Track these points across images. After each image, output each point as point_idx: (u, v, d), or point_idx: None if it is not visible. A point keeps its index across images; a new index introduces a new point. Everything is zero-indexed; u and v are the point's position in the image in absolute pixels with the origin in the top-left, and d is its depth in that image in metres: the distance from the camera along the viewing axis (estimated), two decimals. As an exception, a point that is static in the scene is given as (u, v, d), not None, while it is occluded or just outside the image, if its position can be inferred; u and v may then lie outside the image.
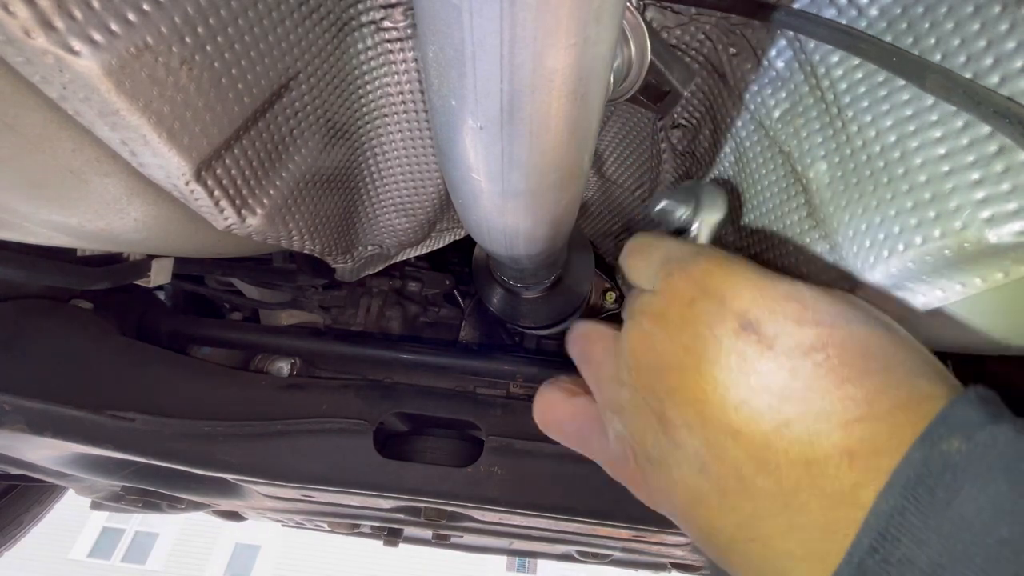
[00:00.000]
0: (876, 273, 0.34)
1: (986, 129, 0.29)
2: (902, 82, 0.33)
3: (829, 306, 0.28)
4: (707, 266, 0.30)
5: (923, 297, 0.34)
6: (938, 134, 0.31)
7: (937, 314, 0.35)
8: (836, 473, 0.23)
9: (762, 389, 0.26)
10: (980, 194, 0.29)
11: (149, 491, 0.87)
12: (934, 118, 0.31)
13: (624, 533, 0.79)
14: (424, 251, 0.73)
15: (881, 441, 0.23)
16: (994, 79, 0.28)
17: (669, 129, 0.55)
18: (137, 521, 9.58)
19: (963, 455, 0.21)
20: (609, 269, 0.89)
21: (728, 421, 0.26)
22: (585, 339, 0.38)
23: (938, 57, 0.30)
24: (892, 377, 0.24)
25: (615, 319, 0.43)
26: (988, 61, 0.28)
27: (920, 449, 0.22)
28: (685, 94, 0.36)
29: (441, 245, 0.73)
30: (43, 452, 0.74)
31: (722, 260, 0.30)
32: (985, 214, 0.28)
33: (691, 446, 0.28)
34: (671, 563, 1.11)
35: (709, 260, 0.31)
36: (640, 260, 0.35)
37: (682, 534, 0.69)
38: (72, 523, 9.17)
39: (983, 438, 0.21)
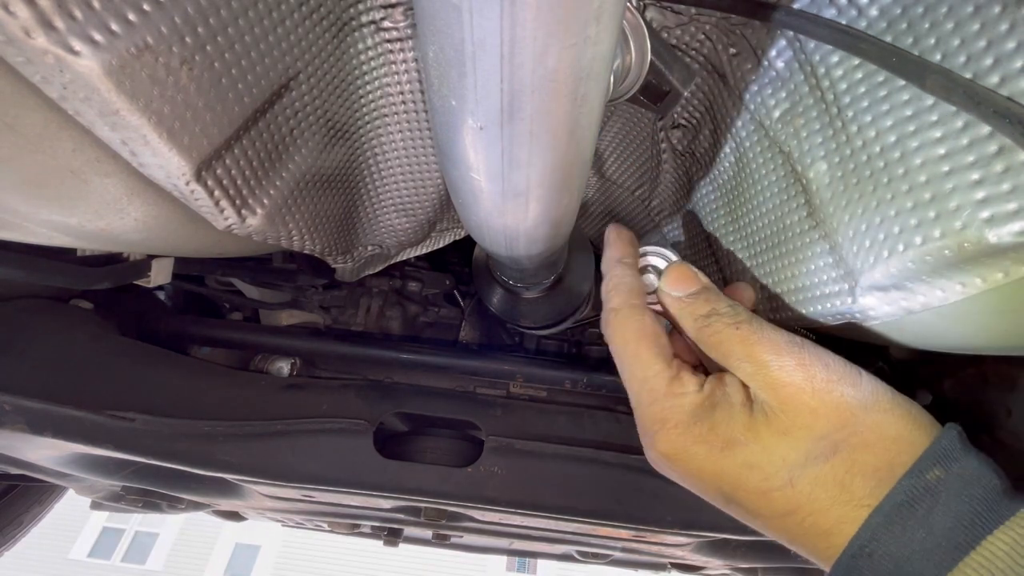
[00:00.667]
0: (876, 273, 0.34)
1: (986, 129, 0.29)
2: (902, 82, 0.33)
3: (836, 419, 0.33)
4: (668, 451, 0.36)
5: (923, 297, 0.34)
6: (938, 134, 0.31)
7: (937, 314, 0.35)
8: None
9: (771, 534, 0.35)
10: (980, 194, 0.29)
11: (149, 491, 0.87)
12: (934, 118, 0.31)
13: (624, 533, 0.79)
14: (424, 251, 0.73)
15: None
16: (994, 79, 0.28)
17: (669, 129, 0.55)
18: (137, 521, 9.58)
19: (940, 481, 0.29)
20: (609, 269, 0.89)
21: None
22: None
23: (938, 57, 0.30)
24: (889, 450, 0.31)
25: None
26: (988, 61, 0.28)
27: (909, 478, 0.29)
28: (685, 94, 0.36)
29: (441, 245, 0.73)
30: (43, 452, 0.74)
31: (680, 438, 0.35)
32: (985, 214, 0.28)
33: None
34: (671, 563, 1.11)
35: (667, 441, 0.36)
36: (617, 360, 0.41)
37: (682, 534, 0.69)
38: (72, 523, 9.17)
39: (956, 469, 0.29)
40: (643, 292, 0.41)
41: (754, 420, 0.33)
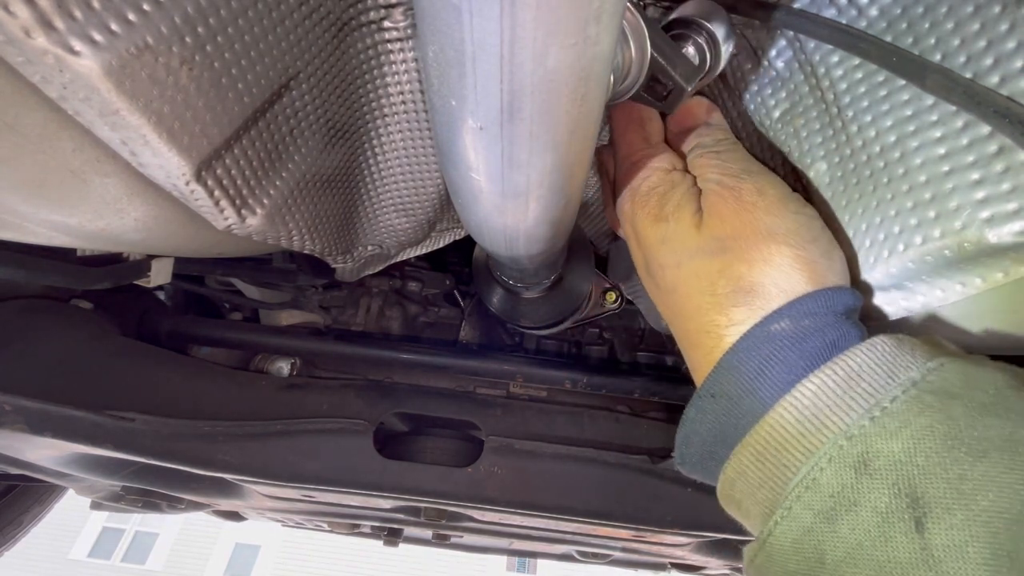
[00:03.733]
0: (876, 273, 0.34)
1: (986, 129, 0.29)
2: (902, 82, 0.33)
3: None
4: (628, 211, 0.43)
5: (923, 297, 0.34)
6: (938, 134, 0.31)
7: (937, 314, 0.35)
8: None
9: (667, 317, 0.42)
10: (980, 194, 0.29)
11: (149, 491, 0.87)
12: (934, 118, 0.31)
13: (624, 533, 0.79)
14: (424, 251, 0.73)
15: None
16: (994, 79, 0.28)
17: None
18: (137, 521, 9.58)
19: (784, 332, 0.32)
20: (609, 269, 0.89)
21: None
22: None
23: (938, 57, 0.30)
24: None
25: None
26: (988, 61, 0.28)
27: (758, 327, 0.33)
28: (689, 90, 0.36)
29: (441, 245, 0.73)
30: (43, 452, 0.74)
31: (638, 204, 0.42)
32: (985, 214, 0.28)
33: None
34: (671, 563, 1.11)
35: (630, 203, 0.43)
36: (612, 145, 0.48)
37: (682, 534, 0.69)
38: (72, 523, 9.17)
39: (806, 323, 0.32)
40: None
41: (682, 208, 0.38)
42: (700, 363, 0.36)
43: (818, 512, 0.28)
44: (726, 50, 0.38)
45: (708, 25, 0.37)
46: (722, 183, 0.38)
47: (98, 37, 0.26)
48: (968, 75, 0.29)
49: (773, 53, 0.41)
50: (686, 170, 0.42)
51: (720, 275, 0.35)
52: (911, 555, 0.25)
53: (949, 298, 0.33)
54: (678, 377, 0.84)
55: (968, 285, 0.32)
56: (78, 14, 0.25)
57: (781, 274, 0.34)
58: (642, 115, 0.45)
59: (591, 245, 0.75)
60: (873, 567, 0.26)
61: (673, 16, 0.38)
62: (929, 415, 0.27)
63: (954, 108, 0.30)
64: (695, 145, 0.42)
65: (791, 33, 0.39)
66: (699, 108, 0.44)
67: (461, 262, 1.04)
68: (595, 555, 1.05)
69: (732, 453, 0.33)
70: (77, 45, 0.25)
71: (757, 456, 0.31)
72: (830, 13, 0.35)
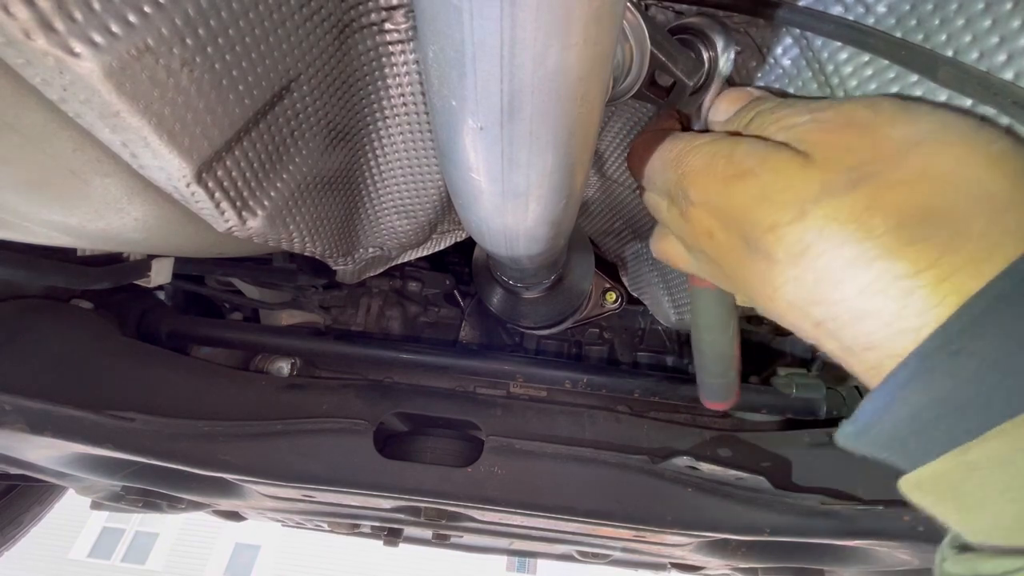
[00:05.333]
0: None
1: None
2: (914, 78, 0.33)
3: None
4: (697, 197, 0.32)
5: None
6: None
7: None
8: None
9: (790, 304, 0.29)
10: None
11: (149, 491, 0.87)
12: None
13: (624, 533, 0.79)
14: (426, 253, 0.73)
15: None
16: (1008, 75, 0.28)
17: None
18: (137, 521, 9.58)
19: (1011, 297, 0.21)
20: (609, 268, 0.89)
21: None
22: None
23: (950, 54, 0.30)
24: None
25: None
26: (1002, 57, 0.28)
27: (1011, 274, 0.22)
28: (691, 85, 0.36)
29: (443, 247, 0.73)
30: (43, 452, 0.74)
31: (705, 180, 0.32)
32: None
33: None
34: (671, 563, 1.11)
35: (696, 188, 0.32)
36: (647, 184, 0.38)
37: (682, 534, 0.69)
38: (72, 523, 9.17)
39: None
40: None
41: (771, 154, 0.29)
42: (881, 336, 0.25)
43: None
44: (726, 59, 0.38)
45: (709, 34, 0.37)
46: (818, 117, 0.29)
47: (98, 39, 0.26)
48: (982, 71, 0.28)
49: (779, 51, 0.41)
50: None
51: (874, 211, 0.25)
52: None
53: None
54: (678, 377, 0.84)
55: None
56: (78, 16, 0.25)
57: (965, 184, 0.24)
58: (654, 133, 0.38)
59: (592, 245, 0.75)
60: None
61: (672, 26, 0.39)
62: None
63: (968, 104, 0.30)
64: (754, 113, 0.33)
65: (797, 31, 0.39)
66: (741, 94, 0.36)
67: (461, 262, 1.04)
68: (595, 555, 1.05)
69: (991, 432, 0.22)
70: (77, 47, 0.25)
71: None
72: (837, 10, 0.35)
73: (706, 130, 0.38)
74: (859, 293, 0.25)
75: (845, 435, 0.28)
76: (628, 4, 0.30)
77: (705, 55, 0.37)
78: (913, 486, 0.26)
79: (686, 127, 0.39)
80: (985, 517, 0.23)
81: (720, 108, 0.37)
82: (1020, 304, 0.21)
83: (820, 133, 0.28)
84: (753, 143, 0.30)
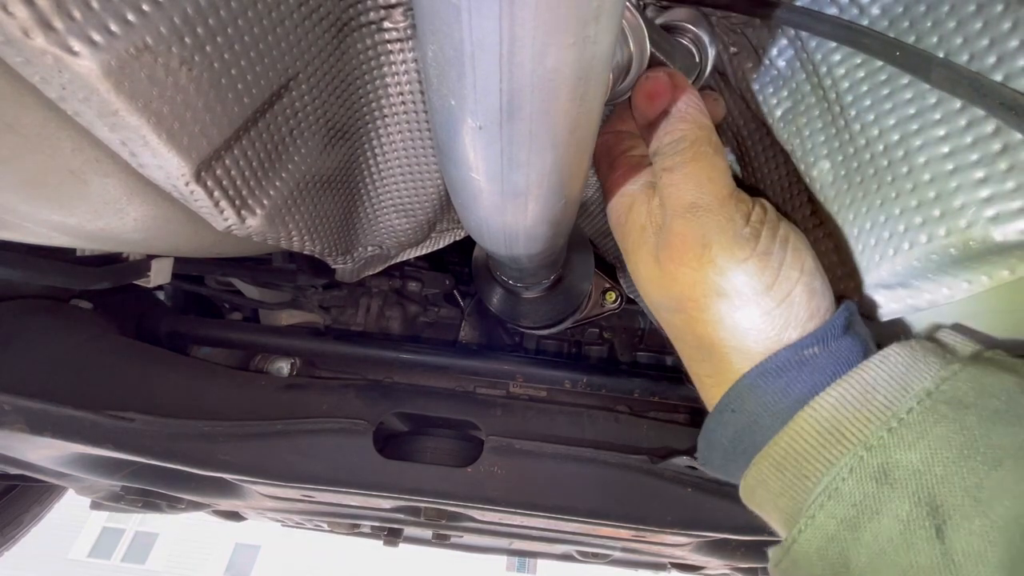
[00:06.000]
0: (882, 271, 0.34)
1: (990, 127, 0.29)
2: (905, 80, 0.33)
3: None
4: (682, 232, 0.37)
5: (929, 295, 0.34)
6: (941, 132, 0.31)
7: (943, 312, 0.35)
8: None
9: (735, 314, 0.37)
10: (985, 192, 0.29)
11: (149, 491, 0.87)
12: (937, 116, 0.31)
13: (624, 533, 0.79)
14: (424, 251, 0.73)
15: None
16: (997, 78, 0.28)
17: None
18: (137, 521, 9.59)
19: (814, 357, 0.33)
20: (609, 268, 0.89)
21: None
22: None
23: (941, 56, 0.30)
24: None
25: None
26: (991, 59, 0.28)
27: (788, 351, 0.33)
28: (689, 83, 0.36)
29: (441, 245, 0.73)
30: (43, 452, 0.74)
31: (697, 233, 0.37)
32: (990, 212, 0.28)
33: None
34: (671, 563, 1.11)
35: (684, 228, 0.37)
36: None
37: (682, 534, 0.69)
38: (72, 523, 9.17)
39: (833, 346, 0.33)
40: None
41: (640, 247, 0.39)
42: (727, 376, 0.36)
43: (841, 520, 0.29)
44: (711, 54, 0.38)
45: (694, 29, 0.37)
46: (669, 227, 0.35)
47: (97, 37, 0.26)
48: (970, 74, 0.28)
49: (774, 52, 0.41)
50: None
51: (685, 331, 0.37)
52: (933, 560, 0.26)
53: (955, 296, 0.33)
54: (678, 377, 0.84)
55: (974, 283, 0.32)
56: (77, 14, 0.25)
57: (738, 333, 0.34)
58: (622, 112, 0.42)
59: (591, 245, 0.75)
60: (897, 572, 0.27)
61: (660, 22, 0.39)
62: (944, 425, 0.28)
63: (958, 106, 0.30)
64: (654, 150, 0.38)
65: (792, 31, 0.39)
66: (661, 86, 0.36)
67: (461, 262, 1.04)
68: (595, 555, 1.05)
69: (752, 463, 0.34)
70: (76, 45, 0.25)
71: (777, 466, 0.32)
72: (831, 12, 0.35)
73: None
74: (732, 334, 0.35)
75: (700, 462, 0.40)
76: (627, 4, 0.30)
77: (696, 51, 0.38)
78: (743, 499, 0.37)
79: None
80: (773, 518, 0.35)
81: (644, 93, 0.38)
82: (768, 382, 0.33)
83: (665, 251, 0.36)
84: (637, 227, 0.39)
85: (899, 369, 0.31)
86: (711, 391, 0.37)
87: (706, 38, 0.37)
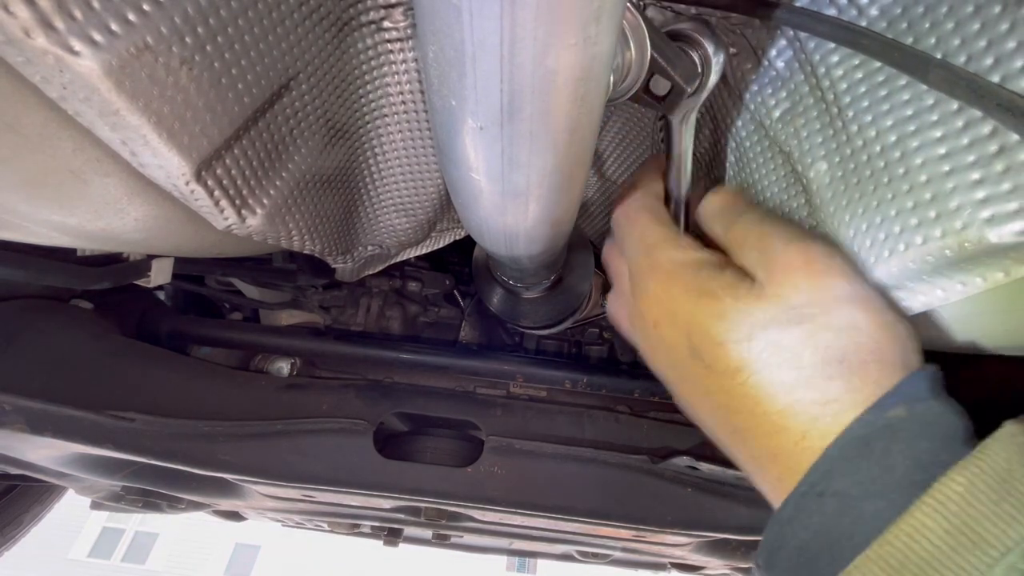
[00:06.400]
0: (877, 272, 0.34)
1: (986, 129, 0.29)
2: (902, 81, 0.33)
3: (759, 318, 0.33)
4: (655, 292, 0.38)
5: (924, 297, 0.34)
6: (938, 134, 0.31)
7: (937, 314, 0.35)
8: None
9: (717, 407, 0.35)
10: (981, 194, 0.29)
11: (149, 491, 0.87)
12: (934, 118, 0.31)
13: (624, 533, 0.79)
14: (424, 251, 0.73)
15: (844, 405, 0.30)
16: (995, 79, 0.28)
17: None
18: (137, 521, 9.58)
19: (901, 421, 0.28)
20: (609, 269, 0.89)
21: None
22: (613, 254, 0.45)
23: (938, 57, 0.30)
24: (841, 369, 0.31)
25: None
26: (988, 61, 0.28)
27: (870, 413, 0.29)
28: (688, 91, 0.36)
29: (441, 245, 0.73)
30: (43, 452, 0.74)
31: (667, 283, 0.37)
32: (986, 214, 0.28)
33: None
34: (671, 563, 1.11)
35: (657, 284, 0.38)
36: (618, 246, 0.43)
37: (682, 534, 0.69)
38: (72, 523, 9.17)
39: (920, 409, 0.29)
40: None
41: (736, 285, 0.34)
42: (787, 451, 0.31)
43: None
44: (717, 64, 0.38)
45: (700, 39, 0.37)
46: (784, 251, 0.34)
47: (98, 37, 0.26)
48: (968, 75, 0.29)
49: (773, 53, 0.41)
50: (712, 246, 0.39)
51: (804, 345, 0.31)
52: None
53: (950, 298, 0.33)
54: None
55: (969, 285, 0.32)
56: (78, 14, 0.25)
57: (871, 341, 0.31)
58: (642, 203, 0.42)
59: (591, 245, 0.75)
60: None
61: (665, 31, 0.39)
62: None
63: (955, 107, 0.30)
64: (738, 218, 0.38)
65: (791, 32, 0.39)
66: (723, 196, 0.40)
67: (461, 262, 1.04)
68: (595, 555, 1.05)
69: (853, 565, 0.27)
70: (77, 45, 0.25)
71: (892, 571, 0.26)
72: (830, 13, 0.35)
73: (686, 214, 0.43)
74: (779, 411, 0.31)
75: (761, 567, 0.34)
76: (628, 4, 0.30)
77: (699, 61, 0.37)
78: None
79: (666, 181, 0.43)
80: None
81: (708, 204, 0.41)
82: (862, 453, 0.28)
83: (782, 266, 0.33)
84: (717, 269, 0.36)
85: None
86: (755, 475, 0.33)
87: (710, 48, 0.37)
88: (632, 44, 0.33)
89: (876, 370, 0.30)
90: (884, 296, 0.33)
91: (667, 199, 0.44)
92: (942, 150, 0.31)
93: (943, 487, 0.26)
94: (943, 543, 0.25)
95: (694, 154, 0.56)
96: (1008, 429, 0.27)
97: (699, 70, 0.37)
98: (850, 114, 0.36)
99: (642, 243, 0.40)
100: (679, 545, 0.85)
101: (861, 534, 0.27)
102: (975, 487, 0.25)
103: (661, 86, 0.36)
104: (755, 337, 0.32)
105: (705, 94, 0.38)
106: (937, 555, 0.25)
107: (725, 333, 0.33)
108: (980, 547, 0.24)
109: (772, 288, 0.33)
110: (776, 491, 0.32)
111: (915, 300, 0.34)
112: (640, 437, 0.72)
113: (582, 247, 0.74)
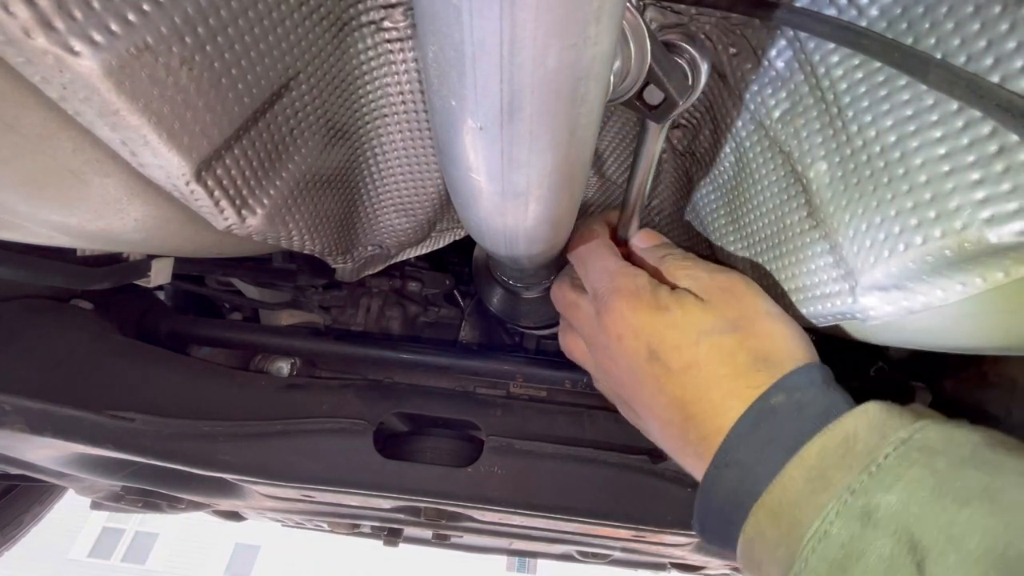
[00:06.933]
0: (877, 273, 0.34)
1: (986, 129, 0.29)
2: (902, 82, 0.33)
3: (704, 322, 0.43)
4: (619, 308, 0.45)
5: (924, 297, 0.34)
6: (938, 134, 0.31)
7: (937, 314, 0.35)
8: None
9: (672, 400, 0.43)
10: (980, 194, 0.29)
11: (149, 491, 0.87)
12: (934, 118, 0.31)
13: (624, 533, 0.79)
14: (424, 251, 0.73)
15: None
16: (994, 79, 0.28)
17: (669, 129, 0.55)
18: (137, 521, 9.58)
19: (781, 404, 0.37)
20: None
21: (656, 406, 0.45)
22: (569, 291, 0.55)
23: (938, 57, 0.30)
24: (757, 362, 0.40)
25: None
26: (988, 61, 0.28)
27: (758, 401, 0.38)
28: (681, 103, 0.36)
29: (441, 245, 0.73)
30: (43, 452, 0.74)
31: (630, 301, 0.45)
32: (985, 214, 0.28)
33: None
34: (671, 563, 1.11)
35: (621, 302, 0.45)
36: (581, 275, 0.53)
37: (682, 534, 0.69)
38: (72, 523, 9.17)
39: (797, 396, 0.37)
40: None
41: (683, 297, 0.44)
42: (718, 432, 0.39)
43: (831, 562, 0.31)
44: (703, 73, 0.39)
45: (690, 49, 0.38)
46: (715, 277, 0.45)
47: (98, 37, 0.26)
48: (968, 75, 0.29)
49: (773, 53, 0.41)
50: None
51: (739, 347, 0.40)
52: None
53: (949, 298, 0.33)
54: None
55: (969, 285, 0.32)
56: (78, 14, 0.25)
57: (786, 344, 0.41)
58: (601, 242, 0.52)
59: (591, 245, 0.75)
60: None
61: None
62: (918, 468, 0.31)
63: (955, 107, 0.30)
64: (665, 255, 0.49)
65: (791, 33, 0.39)
66: (652, 236, 0.53)
67: (461, 262, 1.04)
68: (595, 555, 1.05)
69: (750, 513, 0.36)
70: (77, 45, 0.25)
71: (772, 515, 0.35)
72: (830, 13, 0.35)
73: (625, 245, 0.54)
74: (723, 397, 0.39)
75: (697, 531, 0.43)
76: (628, 5, 0.30)
77: (689, 73, 0.38)
78: (741, 566, 0.39)
79: (613, 230, 0.54)
80: (771, 572, 0.36)
81: (641, 238, 0.53)
82: (752, 431, 0.37)
83: (716, 290, 0.44)
84: (667, 289, 0.45)
85: (876, 421, 0.34)
86: (699, 458, 0.41)
87: (699, 58, 0.38)
88: (632, 45, 0.33)
89: (790, 365, 0.39)
90: (789, 310, 0.44)
91: (624, 204, 0.51)
92: (942, 150, 0.31)
93: (805, 450, 0.35)
94: (804, 488, 0.33)
95: (693, 153, 0.56)
96: (864, 405, 0.36)
97: (690, 83, 0.37)
98: (850, 114, 0.36)
99: (606, 272, 0.48)
100: (679, 545, 0.85)
101: (757, 492, 0.36)
102: (826, 448, 0.34)
103: (655, 96, 0.36)
104: (702, 341, 0.41)
105: (687, 105, 0.39)
106: (799, 498, 0.33)
107: (679, 338, 0.42)
108: (827, 488, 0.32)
109: (714, 304, 0.43)
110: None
111: (915, 300, 0.34)
112: (640, 437, 0.72)
113: (582, 247, 0.74)
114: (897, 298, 0.35)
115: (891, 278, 0.34)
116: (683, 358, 0.41)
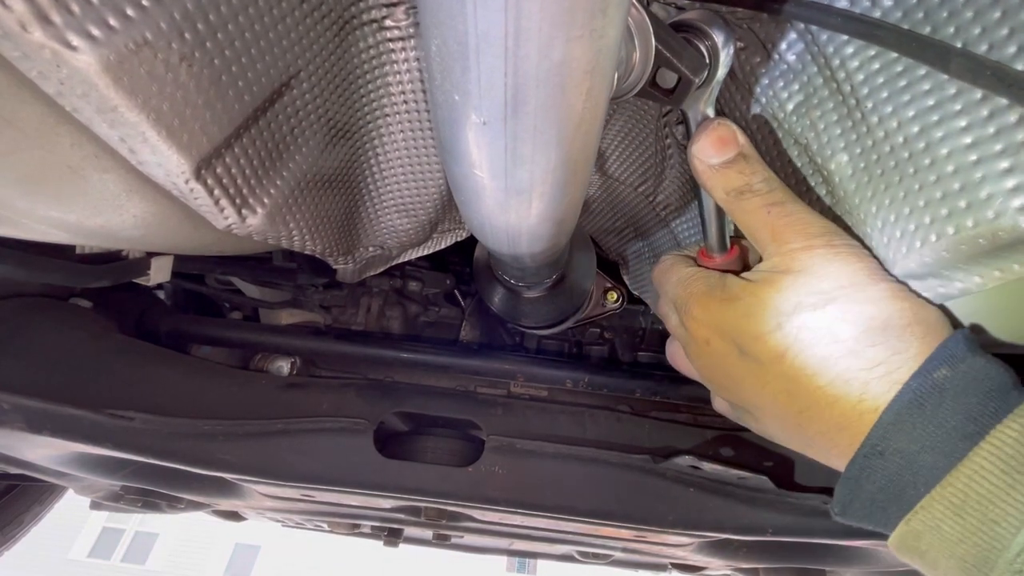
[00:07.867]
0: (910, 262, 0.34)
1: (1013, 116, 0.28)
2: (922, 71, 0.32)
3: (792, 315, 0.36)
4: (696, 312, 0.42)
5: (960, 284, 0.34)
6: (963, 123, 0.30)
7: (972, 301, 0.34)
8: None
9: (776, 395, 0.38)
10: (1011, 182, 0.28)
11: (149, 491, 0.86)
12: (958, 107, 0.31)
13: (625, 533, 0.78)
14: (426, 252, 0.72)
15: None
16: (1019, 67, 0.27)
17: (674, 125, 0.55)
18: (137, 521, 9.58)
19: (947, 379, 0.31)
20: (611, 267, 0.89)
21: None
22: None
23: (959, 46, 0.30)
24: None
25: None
26: (1011, 49, 0.28)
27: (916, 378, 0.32)
28: (696, 82, 0.36)
29: (443, 246, 0.73)
30: (43, 451, 0.73)
31: (702, 300, 0.41)
32: (1018, 202, 0.28)
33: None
34: (672, 563, 1.10)
35: (696, 306, 0.42)
36: (662, 295, 0.48)
37: (683, 534, 0.69)
38: (72, 523, 9.17)
39: (963, 367, 0.31)
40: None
41: (756, 281, 0.38)
42: (848, 418, 0.34)
43: None
44: (726, 55, 0.38)
45: (708, 29, 0.37)
46: (808, 244, 0.36)
47: (96, 32, 0.25)
48: (990, 64, 0.28)
49: (783, 46, 0.40)
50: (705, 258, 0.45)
51: (842, 321, 0.34)
52: None
53: (987, 284, 0.32)
54: (680, 377, 0.83)
55: (1006, 272, 0.31)
56: (75, 9, 0.24)
57: (911, 307, 0.34)
58: (675, 258, 0.48)
59: (593, 244, 0.75)
60: None
61: (672, 21, 0.38)
62: None
63: (978, 96, 0.29)
64: (742, 187, 0.38)
65: (801, 25, 0.38)
66: (728, 133, 0.39)
67: (462, 261, 1.04)
68: (596, 555, 1.05)
69: (920, 505, 0.31)
70: (74, 40, 0.25)
71: (955, 510, 0.29)
72: (842, 4, 0.35)
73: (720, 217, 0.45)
74: (830, 383, 0.34)
75: (835, 513, 0.37)
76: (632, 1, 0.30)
77: (706, 51, 0.37)
78: (893, 547, 0.34)
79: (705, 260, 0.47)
80: (945, 566, 0.31)
81: (707, 149, 0.39)
82: (915, 414, 0.31)
83: (805, 256, 0.36)
84: (735, 279, 0.40)
85: None
86: (830, 450, 0.36)
87: (720, 39, 0.37)
88: (636, 40, 0.33)
89: (921, 331, 0.33)
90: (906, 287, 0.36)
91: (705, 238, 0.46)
92: (968, 139, 0.30)
93: (999, 433, 0.28)
94: (1001, 481, 0.28)
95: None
96: None
97: (707, 60, 0.36)
98: (869, 105, 0.35)
99: (679, 282, 0.45)
100: (680, 545, 0.85)
101: (922, 483, 0.31)
102: None
103: (668, 79, 0.35)
104: (784, 323, 0.36)
105: (716, 85, 0.38)
106: (996, 492, 0.28)
107: (756, 326, 0.37)
108: None
109: (799, 276, 0.36)
110: (846, 456, 0.35)
111: (952, 287, 0.34)
112: (642, 437, 0.72)
113: (584, 246, 0.74)
114: (934, 285, 0.35)
115: (925, 267, 0.33)
116: (769, 348, 0.36)
